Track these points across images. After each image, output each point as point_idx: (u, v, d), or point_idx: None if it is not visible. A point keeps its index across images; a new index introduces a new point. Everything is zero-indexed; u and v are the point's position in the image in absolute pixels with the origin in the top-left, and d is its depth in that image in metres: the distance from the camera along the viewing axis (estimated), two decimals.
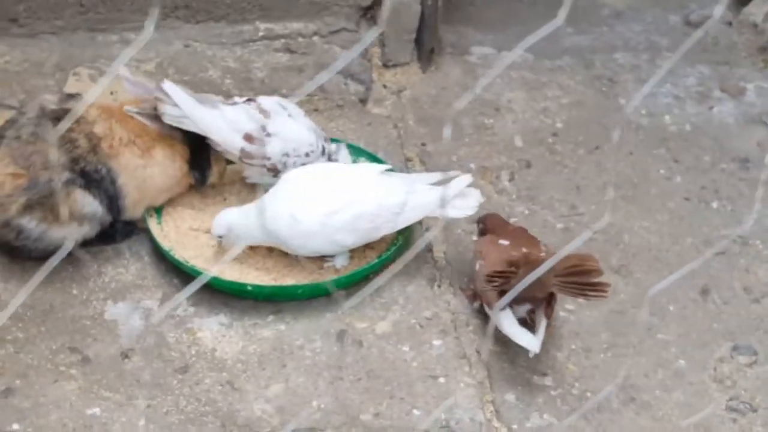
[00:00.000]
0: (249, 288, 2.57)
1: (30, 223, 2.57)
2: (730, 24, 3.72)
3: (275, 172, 2.72)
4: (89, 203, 2.60)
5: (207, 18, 3.29)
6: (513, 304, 2.43)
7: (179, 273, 2.64)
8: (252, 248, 2.68)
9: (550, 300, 2.45)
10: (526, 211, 2.93)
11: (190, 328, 2.54)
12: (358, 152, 2.93)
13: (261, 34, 3.30)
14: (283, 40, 3.30)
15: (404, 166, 3.01)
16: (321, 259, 2.66)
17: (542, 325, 2.43)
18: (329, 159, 2.78)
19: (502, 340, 2.53)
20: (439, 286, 2.68)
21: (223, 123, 2.70)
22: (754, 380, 2.51)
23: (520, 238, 2.60)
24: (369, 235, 2.61)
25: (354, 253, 2.67)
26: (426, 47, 3.38)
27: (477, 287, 2.58)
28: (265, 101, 2.76)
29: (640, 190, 3.03)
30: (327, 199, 2.59)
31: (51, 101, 2.64)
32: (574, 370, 2.51)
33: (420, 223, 2.72)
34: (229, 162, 2.83)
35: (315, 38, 3.30)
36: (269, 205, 2.58)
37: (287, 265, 2.66)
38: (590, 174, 3.06)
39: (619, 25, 3.73)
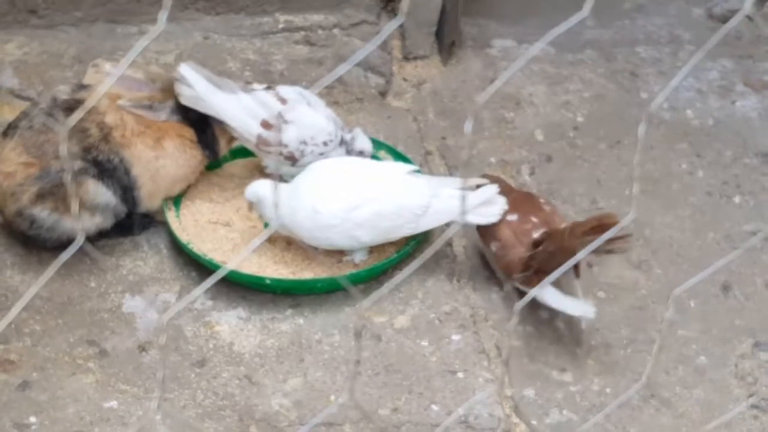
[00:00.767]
0: (267, 281, 2.56)
1: (42, 213, 2.57)
2: (750, 19, 3.69)
3: (293, 160, 2.71)
4: (102, 193, 2.59)
5: (227, 10, 3.29)
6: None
7: (197, 266, 2.63)
8: (271, 241, 2.67)
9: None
10: None
11: (208, 321, 2.53)
12: (377, 145, 2.92)
13: (281, 26, 3.29)
14: (302, 32, 3.29)
15: (424, 159, 3.00)
16: (340, 253, 2.65)
17: (578, 288, 2.48)
18: (347, 150, 2.77)
19: (520, 334, 2.52)
20: (459, 281, 2.66)
21: (240, 109, 2.69)
22: None
23: (525, 206, 2.62)
24: (388, 234, 2.59)
25: (373, 247, 2.66)
26: (446, 40, 3.37)
27: (500, 270, 2.59)
28: (284, 89, 2.76)
29: (661, 184, 3.01)
30: (349, 194, 2.57)
31: (63, 92, 2.64)
32: (593, 365, 2.49)
33: None
34: (249, 153, 2.82)
35: (335, 30, 3.29)
36: (292, 194, 2.57)
37: (306, 258, 2.64)
38: (611, 168, 3.04)
39: (641, 18, 3.70)
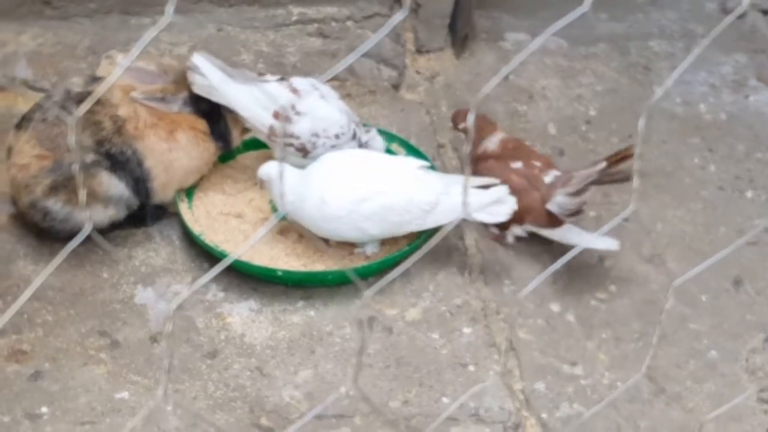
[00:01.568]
0: (279, 273, 2.57)
1: (55, 205, 2.58)
2: (765, 13, 3.68)
3: (304, 152, 2.71)
4: (114, 185, 2.60)
5: (240, 2, 3.29)
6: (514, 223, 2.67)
7: (209, 257, 2.64)
8: (283, 234, 2.68)
9: None
10: None
11: (220, 313, 2.54)
12: (390, 138, 2.92)
13: (294, 18, 3.29)
14: (316, 25, 3.29)
15: (436, 152, 3.00)
16: (351, 245, 2.65)
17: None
18: (360, 144, 2.77)
19: (534, 329, 2.53)
20: (470, 274, 2.66)
21: (253, 99, 2.69)
22: None
23: (523, 152, 2.76)
24: (396, 228, 2.59)
25: (385, 240, 2.66)
26: (460, 33, 3.36)
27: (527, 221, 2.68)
28: (298, 81, 2.76)
29: (673, 178, 3.01)
30: (358, 186, 2.57)
31: (77, 84, 2.65)
32: (604, 359, 2.49)
33: None
34: (261, 145, 2.82)
35: (348, 23, 3.29)
36: (302, 182, 2.57)
37: (317, 251, 2.65)
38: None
39: (654, 12, 3.69)
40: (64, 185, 2.57)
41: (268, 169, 2.58)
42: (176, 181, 2.71)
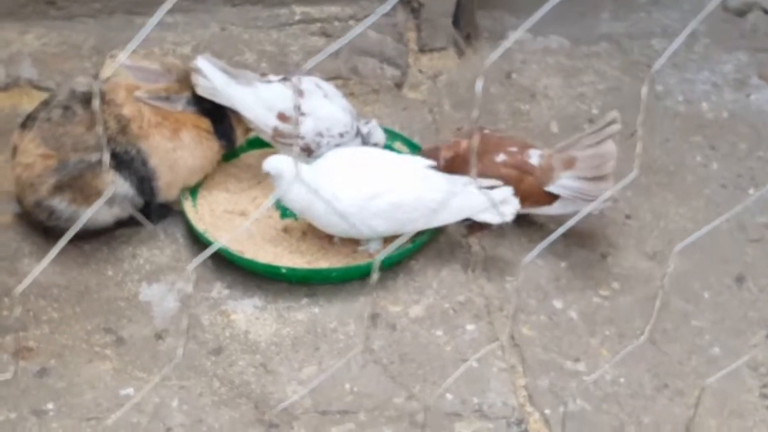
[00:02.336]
0: (283, 271, 2.58)
1: (60, 204, 2.60)
2: (767, 12, 3.69)
3: (309, 152, 2.73)
4: (120, 184, 2.62)
5: (243, 1, 3.30)
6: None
7: (213, 255, 2.64)
8: (287, 231, 2.69)
9: None
10: None
11: (224, 310, 2.55)
12: (393, 137, 2.93)
13: (297, 17, 3.31)
14: (319, 24, 3.30)
15: None
16: (355, 242, 2.66)
17: None
18: (364, 141, 2.79)
19: (537, 326, 2.54)
20: (473, 271, 2.68)
21: (257, 101, 2.71)
22: None
23: (496, 143, 2.78)
24: (403, 226, 2.60)
25: (387, 237, 2.66)
26: (462, 32, 3.38)
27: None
28: (301, 80, 2.76)
29: (676, 176, 3.02)
30: (368, 183, 2.58)
31: (82, 83, 2.66)
32: (607, 355, 2.50)
33: None
34: (265, 144, 2.84)
35: (351, 22, 3.30)
36: (311, 179, 2.58)
37: (321, 248, 2.66)
38: (626, 160, 3.02)
39: (656, 11, 3.71)
40: (69, 184, 2.58)
41: (276, 163, 2.56)
42: (180, 179, 2.72)
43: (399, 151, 2.90)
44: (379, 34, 3.27)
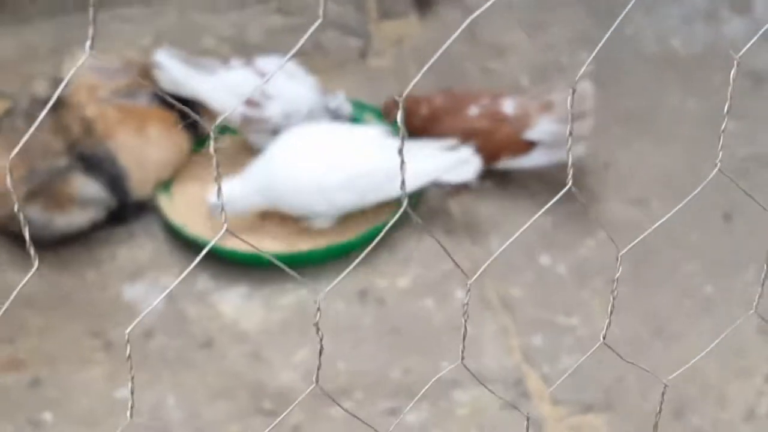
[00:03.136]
0: (266, 258, 2.54)
1: (34, 213, 2.56)
2: None
3: (278, 134, 2.70)
4: (90, 187, 2.59)
5: None
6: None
7: (196, 248, 2.62)
8: (264, 217, 2.66)
9: None
10: None
11: (211, 302, 2.53)
12: (361, 108, 2.90)
13: None
14: (276, 2, 3.26)
15: None
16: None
17: None
18: (333, 116, 2.76)
19: (525, 284, 2.52)
20: (457, 236, 2.65)
21: (221, 89, 2.68)
22: None
23: (465, 97, 2.77)
24: (365, 196, 2.58)
25: (369, 212, 2.64)
26: None
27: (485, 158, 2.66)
28: (263, 62, 2.74)
29: (652, 119, 2.99)
30: (323, 157, 2.56)
31: (42, 88, 2.63)
32: (599, 306, 2.48)
33: None
34: (234, 131, 2.81)
35: None
36: (267, 166, 2.57)
37: (300, 231, 2.63)
38: (599, 108, 3.01)
39: None
40: (40, 193, 2.55)
41: (222, 191, 2.53)
42: (152, 175, 2.69)
43: (368, 123, 2.88)
44: (338, 6, 3.24)
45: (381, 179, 2.56)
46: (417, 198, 2.66)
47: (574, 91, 2.54)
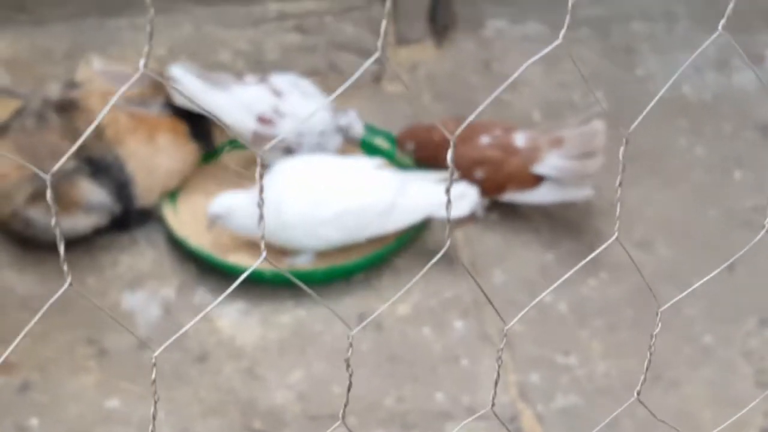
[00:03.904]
0: (266, 274, 2.54)
1: (37, 214, 2.55)
2: None
3: (290, 152, 2.70)
4: (96, 192, 2.58)
5: (218, 0, 3.26)
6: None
7: (196, 261, 2.61)
8: None
9: None
10: None
11: (209, 316, 2.51)
12: (373, 132, 2.90)
13: (272, 14, 3.26)
14: (294, 20, 3.26)
15: None
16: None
17: None
18: (344, 135, 2.75)
19: (526, 320, 2.50)
20: (460, 267, 2.64)
21: (235, 105, 2.68)
22: None
23: (477, 126, 2.75)
24: (354, 233, 2.56)
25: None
26: (440, 23, 3.34)
27: (492, 188, 2.68)
28: (278, 80, 2.73)
29: (661, 162, 2.98)
30: (312, 192, 2.54)
31: (54, 90, 2.62)
32: (598, 347, 2.47)
33: None
34: (244, 146, 2.80)
35: (327, 17, 3.26)
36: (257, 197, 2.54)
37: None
38: (609, 146, 3.01)
39: None
40: (45, 194, 2.54)
41: (224, 202, 2.54)
42: (159, 184, 2.68)
43: (380, 147, 2.88)
44: (355, 27, 3.24)
45: (371, 216, 2.54)
46: (419, 229, 2.65)
47: (587, 130, 2.55)
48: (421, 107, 3.13)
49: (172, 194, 2.73)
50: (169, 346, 2.41)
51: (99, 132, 2.57)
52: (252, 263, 2.59)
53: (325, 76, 3.15)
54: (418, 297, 2.56)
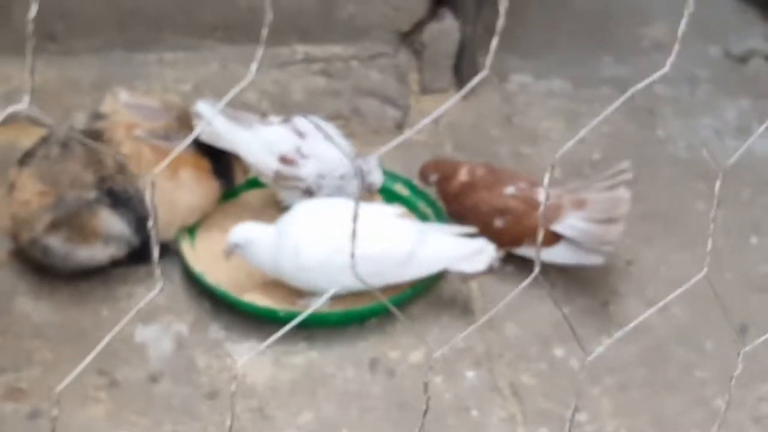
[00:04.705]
0: (280, 314, 2.54)
1: (56, 242, 2.56)
2: (767, 59, 3.69)
3: (310, 194, 2.71)
4: (116, 223, 2.59)
5: (245, 40, 3.27)
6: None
7: (211, 297, 2.62)
8: None
9: None
10: None
11: (221, 352, 2.51)
12: (393, 179, 2.91)
13: (299, 57, 3.28)
14: (321, 64, 3.28)
15: None
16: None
17: None
18: (363, 179, 2.76)
19: (537, 374, 2.50)
20: (473, 317, 2.64)
21: (258, 144, 2.69)
22: None
23: (505, 175, 2.80)
24: (371, 281, 2.55)
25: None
26: (465, 74, 3.36)
27: (507, 242, 2.69)
28: (301, 122, 2.75)
29: (677, 223, 2.99)
30: (331, 236, 2.53)
31: (80, 121, 2.65)
32: (608, 405, 2.46)
33: None
34: (264, 184, 2.81)
35: (353, 62, 3.28)
36: (277, 235, 2.54)
37: None
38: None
39: (658, 56, 3.68)
40: (65, 222, 2.56)
41: (243, 232, 2.54)
42: (179, 219, 2.69)
43: (400, 194, 2.89)
44: (381, 74, 3.25)
45: (390, 265, 2.53)
46: (435, 278, 2.65)
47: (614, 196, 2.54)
48: (442, 156, 3.14)
49: (191, 229, 2.74)
50: (181, 380, 2.42)
51: (122, 164, 2.59)
52: (267, 302, 2.61)
53: (348, 120, 3.17)
54: (431, 345, 2.56)
